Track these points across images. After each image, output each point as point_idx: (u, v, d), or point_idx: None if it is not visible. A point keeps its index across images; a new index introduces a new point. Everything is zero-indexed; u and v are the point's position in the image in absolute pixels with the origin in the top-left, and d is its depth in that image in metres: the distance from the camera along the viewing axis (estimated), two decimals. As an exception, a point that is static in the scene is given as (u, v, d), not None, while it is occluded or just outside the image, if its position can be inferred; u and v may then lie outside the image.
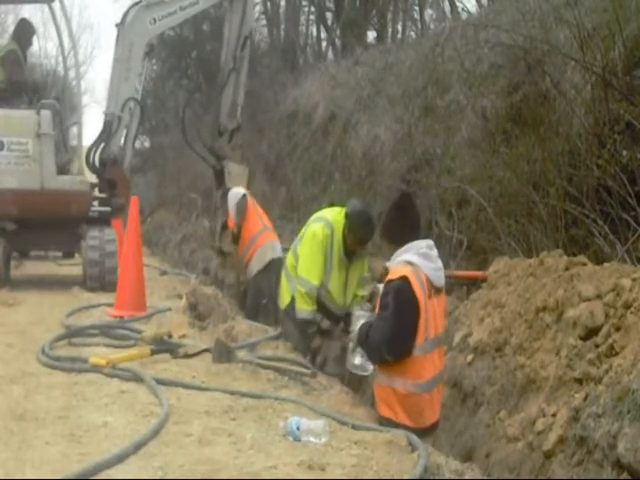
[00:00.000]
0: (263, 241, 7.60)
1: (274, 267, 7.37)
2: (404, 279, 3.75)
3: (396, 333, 3.74)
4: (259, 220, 7.69)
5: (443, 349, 4.01)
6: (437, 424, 4.01)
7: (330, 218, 5.28)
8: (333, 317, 5.44)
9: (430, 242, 3.99)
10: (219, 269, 8.26)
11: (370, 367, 4.02)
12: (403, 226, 3.95)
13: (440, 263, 3.96)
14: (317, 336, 5.36)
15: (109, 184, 8.84)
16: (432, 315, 3.82)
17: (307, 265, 5.25)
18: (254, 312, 7.34)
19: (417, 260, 3.81)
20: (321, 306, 5.33)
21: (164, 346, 5.05)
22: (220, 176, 8.82)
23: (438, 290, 3.91)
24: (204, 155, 9.26)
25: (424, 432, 3.76)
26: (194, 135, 10.22)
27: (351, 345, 4.12)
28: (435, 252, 3.95)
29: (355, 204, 5.30)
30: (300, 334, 5.41)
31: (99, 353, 4.85)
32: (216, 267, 8.39)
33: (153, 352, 4.88)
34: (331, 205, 6.12)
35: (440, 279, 3.92)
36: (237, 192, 7.87)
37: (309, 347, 5.38)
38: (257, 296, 7.60)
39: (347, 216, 5.17)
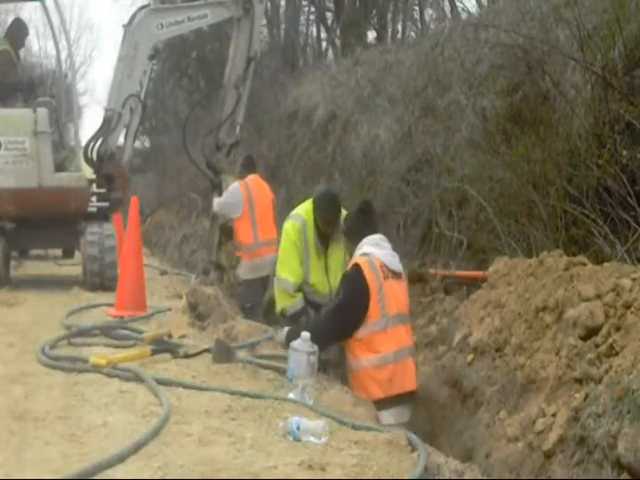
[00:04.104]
0: (253, 256, 7.57)
1: (263, 282, 7.42)
2: (357, 266, 4.42)
3: (344, 313, 4.36)
4: (251, 233, 7.63)
5: (410, 326, 4.68)
6: (412, 395, 4.51)
7: (301, 211, 5.47)
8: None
9: (382, 236, 4.67)
10: (216, 282, 8.28)
11: (309, 401, 4.05)
12: (363, 227, 4.65)
13: (394, 252, 4.67)
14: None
15: (107, 179, 8.84)
16: (392, 294, 4.45)
17: (282, 264, 5.44)
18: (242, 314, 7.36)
19: (371, 249, 4.50)
20: (308, 302, 5.43)
21: (164, 346, 5.05)
22: (218, 190, 8.81)
23: (396, 274, 4.56)
24: (203, 169, 9.27)
25: (395, 400, 4.37)
26: (194, 140, 10.20)
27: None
28: (389, 244, 4.67)
29: (319, 188, 5.90)
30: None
31: (99, 353, 4.85)
32: (213, 280, 8.41)
33: (153, 352, 4.88)
34: None
35: (396, 264, 4.58)
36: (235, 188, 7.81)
37: None
38: (244, 300, 7.62)
39: (313, 200, 5.41)
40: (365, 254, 4.49)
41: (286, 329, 4.65)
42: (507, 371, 4.24)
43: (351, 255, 4.71)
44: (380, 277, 4.40)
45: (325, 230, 5.35)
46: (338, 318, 4.40)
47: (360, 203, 4.94)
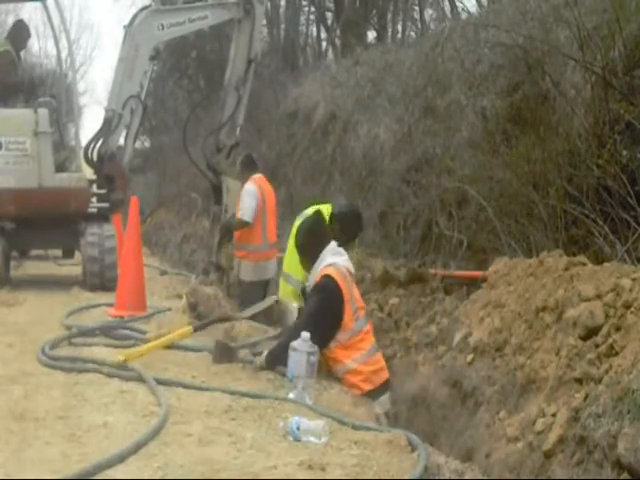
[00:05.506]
0: (259, 258, 7.55)
1: (264, 284, 7.41)
2: (327, 277, 4.50)
3: (321, 322, 4.37)
4: (261, 234, 7.59)
5: (371, 322, 4.97)
6: (388, 382, 4.76)
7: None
8: None
9: (334, 243, 4.75)
10: (216, 283, 8.27)
11: (309, 401, 4.03)
12: (320, 244, 4.68)
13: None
14: None
15: (107, 180, 8.84)
16: (357, 298, 4.67)
17: (289, 261, 5.49)
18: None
19: (335, 259, 4.63)
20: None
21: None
22: (218, 191, 8.78)
23: (352, 275, 4.77)
24: (204, 170, 9.26)
25: (380, 389, 4.60)
26: (194, 141, 10.17)
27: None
28: (344, 250, 4.83)
29: (341, 202, 5.80)
30: None
31: (99, 353, 4.86)
32: (213, 280, 8.41)
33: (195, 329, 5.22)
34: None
35: (352, 268, 4.80)
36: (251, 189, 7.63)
37: None
38: (244, 301, 7.59)
39: (336, 214, 5.39)
40: (331, 264, 4.58)
41: (265, 353, 4.58)
42: (507, 371, 4.24)
43: (308, 270, 4.76)
44: (350, 284, 4.62)
45: (344, 244, 5.35)
46: (315, 327, 4.25)
47: (310, 224, 4.90)
